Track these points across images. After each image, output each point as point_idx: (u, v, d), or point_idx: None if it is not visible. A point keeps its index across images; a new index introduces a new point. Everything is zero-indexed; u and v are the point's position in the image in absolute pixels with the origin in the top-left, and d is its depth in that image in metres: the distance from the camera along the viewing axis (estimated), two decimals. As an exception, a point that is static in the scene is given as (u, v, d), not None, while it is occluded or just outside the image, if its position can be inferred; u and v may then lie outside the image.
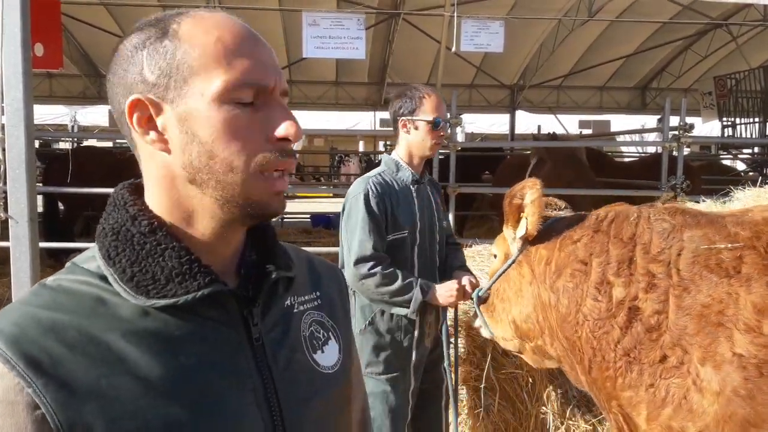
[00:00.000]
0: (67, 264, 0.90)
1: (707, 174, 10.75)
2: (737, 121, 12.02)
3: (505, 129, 15.89)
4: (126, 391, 0.78)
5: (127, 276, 0.84)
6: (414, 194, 2.82)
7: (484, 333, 2.45)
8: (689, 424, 1.74)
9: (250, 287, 0.94)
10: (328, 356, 1.01)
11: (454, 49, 5.47)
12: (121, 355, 0.79)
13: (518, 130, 15.43)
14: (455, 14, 5.02)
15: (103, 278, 0.85)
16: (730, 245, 1.80)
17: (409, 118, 2.78)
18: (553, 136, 7.58)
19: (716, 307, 1.73)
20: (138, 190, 0.94)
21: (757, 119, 11.73)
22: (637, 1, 10.20)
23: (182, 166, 0.87)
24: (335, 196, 15.52)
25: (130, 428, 0.77)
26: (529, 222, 2.04)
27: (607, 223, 2.01)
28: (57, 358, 0.76)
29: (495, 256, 2.34)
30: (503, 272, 2.22)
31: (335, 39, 5.26)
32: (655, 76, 14.40)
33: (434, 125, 2.75)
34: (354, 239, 2.67)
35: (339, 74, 13.50)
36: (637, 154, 13.43)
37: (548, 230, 2.12)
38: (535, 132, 15.36)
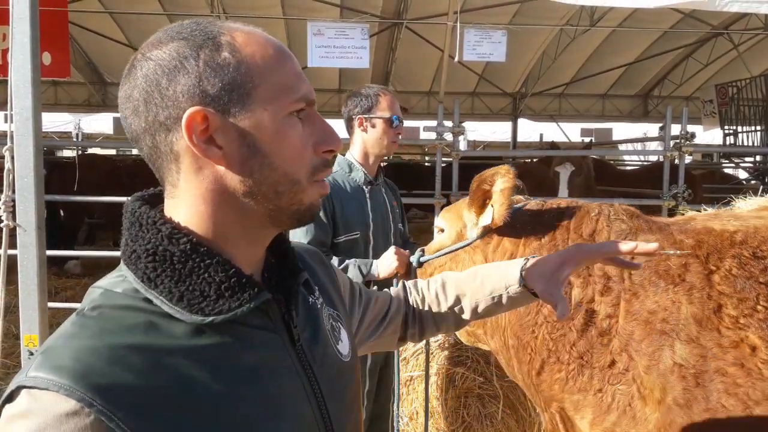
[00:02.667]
0: (96, 291, 0.88)
1: (709, 183, 10.78)
2: (739, 129, 12.04)
3: (507, 137, 15.94)
4: (200, 407, 0.79)
5: (176, 297, 0.83)
6: (367, 195, 2.78)
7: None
8: (632, 431, 1.76)
9: (275, 288, 0.97)
10: (344, 345, 1.08)
11: (456, 58, 5.50)
12: (188, 374, 0.80)
13: (520, 138, 15.48)
14: (458, 23, 5.06)
15: (147, 301, 0.84)
16: (677, 252, 1.82)
17: (366, 116, 2.76)
18: (552, 145, 7.60)
19: (661, 314, 1.75)
20: (151, 202, 0.93)
21: (758, 127, 11.75)
22: (639, 10, 10.25)
23: (240, 179, 0.87)
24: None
25: None
26: (496, 211, 1.97)
27: (567, 217, 2.01)
28: (130, 387, 0.74)
29: (442, 231, 2.26)
30: (452, 251, 2.16)
31: (339, 48, 5.31)
32: (657, 84, 14.45)
33: (391, 123, 2.74)
34: (293, 238, 2.68)
35: (342, 82, 13.57)
36: (640, 163, 13.45)
37: (512, 221, 2.03)
38: (537, 140, 15.46)
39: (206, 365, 0.82)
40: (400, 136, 2.81)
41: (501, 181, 1.94)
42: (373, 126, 2.76)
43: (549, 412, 1.99)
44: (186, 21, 0.92)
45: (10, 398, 0.75)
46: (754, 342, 1.67)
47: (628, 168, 12.74)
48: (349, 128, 2.85)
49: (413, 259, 2.34)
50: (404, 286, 1.51)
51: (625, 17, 10.50)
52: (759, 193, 4.48)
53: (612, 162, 12.47)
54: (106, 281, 0.89)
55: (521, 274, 1.36)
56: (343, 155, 2.87)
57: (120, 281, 0.87)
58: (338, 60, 5.35)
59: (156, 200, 0.95)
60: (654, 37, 11.68)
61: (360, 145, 2.82)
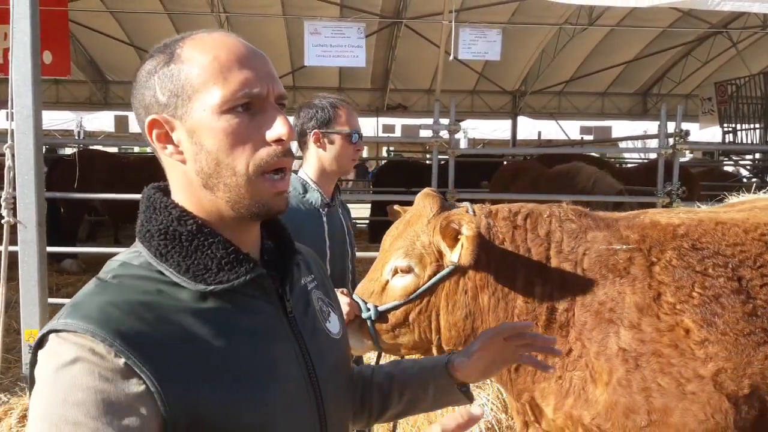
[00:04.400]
0: (115, 263, 1.01)
1: (708, 180, 10.81)
2: (738, 127, 12.07)
3: (507, 135, 15.96)
4: (205, 357, 0.92)
5: (183, 269, 0.97)
6: (324, 219, 2.44)
7: (361, 350, 2.24)
8: (585, 412, 1.92)
9: (275, 268, 1.10)
10: (333, 325, 1.22)
11: (452, 56, 5.56)
12: (193, 329, 0.94)
13: (520, 136, 15.51)
14: (453, 21, 5.11)
15: (159, 272, 0.98)
16: (624, 247, 1.97)
17: (324, 130, 2.44)
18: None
19: (609, 304, 1.91)
20: (166, 192, 1.06)
21: (757, 125, 11.78)
22: (636, 9, 10.29)
23: (195, 173, 1.00)
24: (338, 201, 15.64)
25: (213, 387, 0.91)
26: (463, 253, 1.99)
27: (522, 218, 2.11)
28: (144, 334, 0.88)
29: (409, 270, 2.12)
30: (432, 286, 2.10)
31: (336, 47, 5.37)
32: (656, 82, 14.47)
33: (351, 138, 2.44)
34: None
35: (342, 80, 13.61)
36: (640, 160, 13.48)
37: (482, 235, 2.08)
38: (536, 138, 15.48)
39: (208, 324, 0.95)
40: (359, 154, 2.53)
41: (467, 228, 1.97)
42: (332, 142, 2.45)
43: (521, 402, 2.12)
44: (168, 38, 1.04)
45: (41, 343, 0.89)
46: (688, 325, 1.83)
47: (629, 165, 12.77)
48: (302, 143, 2.51)
49: (366, 313, 2.13)
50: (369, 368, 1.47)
51: (624, 16, 10.52)
52: (753, 190, 4.54)
53: (612, 160, 12.52)
54: (124, 255, 1.02)
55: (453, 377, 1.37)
56: (295, 173, 2.52)
57: (136, 256, 1.01)
58: (335, 59, 5.41)
59: (169, 191, 1.08)
60: (652, 35, 11.70)
61: (315, 162, 2.48)
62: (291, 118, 2.32)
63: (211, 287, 0.97)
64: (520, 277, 2.04)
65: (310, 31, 5.35)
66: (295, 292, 1.13)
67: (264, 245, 1.14)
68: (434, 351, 2.19)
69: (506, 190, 7.22)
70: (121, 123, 14.47)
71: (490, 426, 3.36)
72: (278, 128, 0.99)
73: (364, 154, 23.00)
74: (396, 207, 2.51)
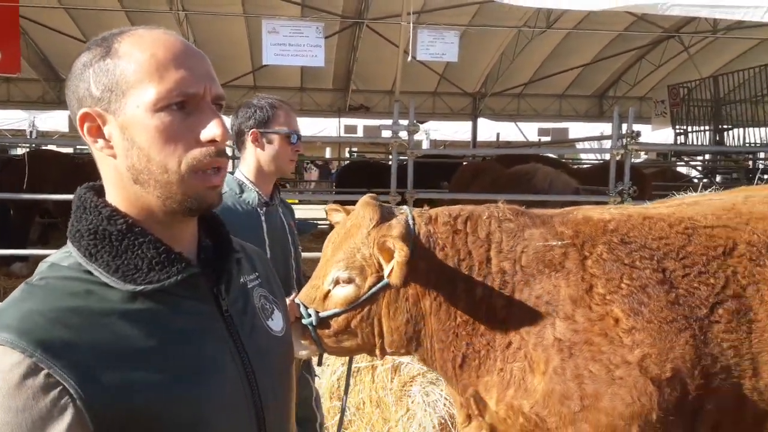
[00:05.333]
0: (44, 264, 1.00)
1: (661, 180, 11.14)
2: (689, 129, 12.47)
3: (468, 136, 16.14)
4: (135, 359, 0.91)
5: (113, 269, 0.96)
6: (262, 218, 2.44)
7: (305, 353, 2.24)
8: (525, 401, 2.00)
9: (211, 268, 1.09)
10: (275, 323, 1.21)
11: (410, 57, 5.61)
12: (122, 331, 0.93)
13: (480, 138, 15.70)
14: (411, 23, 5.16)
15: (88, 272, 0.97)
16: (560, 243, 2.06)
17: (261, 129, 2.44)
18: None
19: (546, 297, 2.00)
20: (100, 192, 1.05)
21: (707, 127, 12.19)
22: (593, 12, 10.54)
23: (126, 168, 0.99)
24: (301, 202, 15.57)
25: (144, 387, 0.91)
26: (393, 275, 2.03)
27: (462, 221, 2.17)
28: (69, 341, 0.87)
29: (350, 281, 2.14)
30: (368, 298, 2.13)
31: (295, 46, 5.35)
32: (612, 84, 14.86)
33: (287, 138, 2.45)
34: None
35: (304, 80, 13.58)
36: (596, 161, 13.80)
37: (420, 241, 2.12)
38: (495, 139, 15.70)
39: (138, 325, 0.94)
40: (297, 155, 2.54)
41: (398, 254, 2.00)
42: (270, 142, 2.45)
43: (465, 398, 2.18)
44: (107, 32, 1.03)
45: None
46: (617, 315, 1.93)
47: (585, 166, 13.06)
48: (240, 143, 2.51)
49: (307, 319, 2.13)
50: None
51: (580, 20, 10.76)
52: (699, 189, 4.71)
53: (569, 161, 12.78)
54: (55, 256, 1.01)
55: None
56: (232, 173, 2.52)
57: (66, 256, 1.00)
58: (293, 58, 5.39)
59: (103, 191, 1.06)
60: (608, 39, 12.00)
61: (253, 162, 2.47)
62: (229, 118, 2.30)
63: (141, 287, 0.96)
64: (462, 280, 2.10)
65: (268, 29, 5.33)
66: (233, 290, 1.12)
67: (202, 243, 1.13)
68: (378, 352, 2.25)
69: (466, 190, 7.32)
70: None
71: (443, 422, 3.41)
72: (212, 129, 0.99)
73: (328, 154, 22.96)
74: (331, 206, 2.50)
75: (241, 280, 1.17)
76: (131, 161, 0.99)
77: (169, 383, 0.93)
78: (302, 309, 2.17)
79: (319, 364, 2.38)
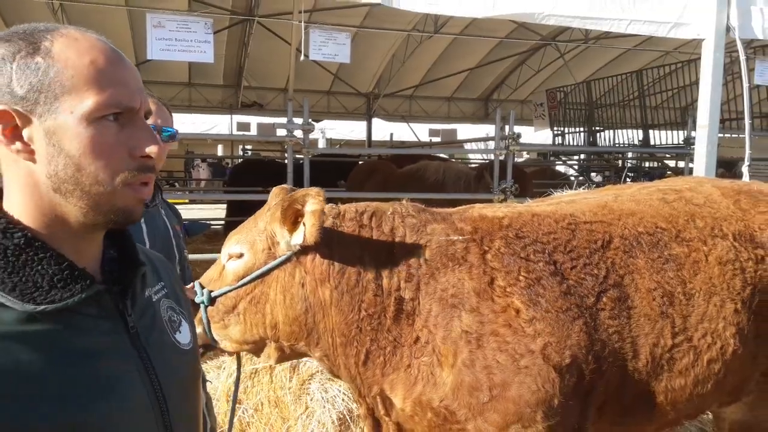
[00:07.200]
0: None
1: (542, 179, 11.89)
2: (566, 130, 13.40)
3: (363, 136, 16.33)
4: (32, 384, 0.85)
5: (9, 287, 0.89)
6: (142, 220, 2.34)
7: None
8: (434, 395, 2.02)
9: (116, 282, 1.05)
10: (183, 336, 1.17)
11: (302, 57, 5.63)
12: (16, 357, 0.85)
13: (375, 137, 15.95)
14: (302, 22, 5.17)
15: None
16: (461, 238, 2.14)
17: None
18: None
19: (451, 290, 2.05)
20: None
21: (581, 129, 13.17)
22: (477, 19, 11.01)
23: (47, 175, 0.94)
24: (191, 202, 15.00)
25: (42, 413, 0.85)
26: (307, 231, 2.01)
27: (367, 217, 2.20)
28: None
29: (240, 256, 2.13)
30: (264, 273, 2.10)
31: (182, 42, 5.17)
32: (496, 88, 15.62)
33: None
34: None
35: (192, 76, 13.10)
36: (483, 160, 14.46)
37: (324, 236, 2.09)
38: (389, 139, 16.02)
39: (36, 349, 0.88)
40: (165, 151, 2.32)
41: (312, 202, 2.01)
42: None
43: (371, 397, 2.16)
44: (24, 24, 0.97)
45: None
46: (518, 306, 2.02)
47: (472, 166, 13.63)
48: None
49: (199, 298, 2.10)
50: None
51: (466, 25, 11.20)
52: (574, 187, 5.09)
53: (458, 160, 13.31)
54: None
55: None
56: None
57: None
58: (180, 53, 5.20)
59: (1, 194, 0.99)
60: (491, 45, 12.59)
61: None
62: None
63: (42, 307, 0.89)
64: (367, 272, 2.09)
65: (153, 24, 5.10)
66: (139, 305, 1.08)
67: (106, 255, 1.08)
68: (272, 348, 2.19)
69: (361, 189, 7.43)
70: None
71: (342, 417, 3.46)
72: (150, 144, 0.99)
73: (220, 152, 22.23)
74: (282, 187, 2.40)
75: (147, 293, 1.13)
76: (55, 169, 0.93)
77: (70, 407, 0.89)
78: (198, 288, 2.12)
79: (211, 349, 2.31)
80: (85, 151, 0.93)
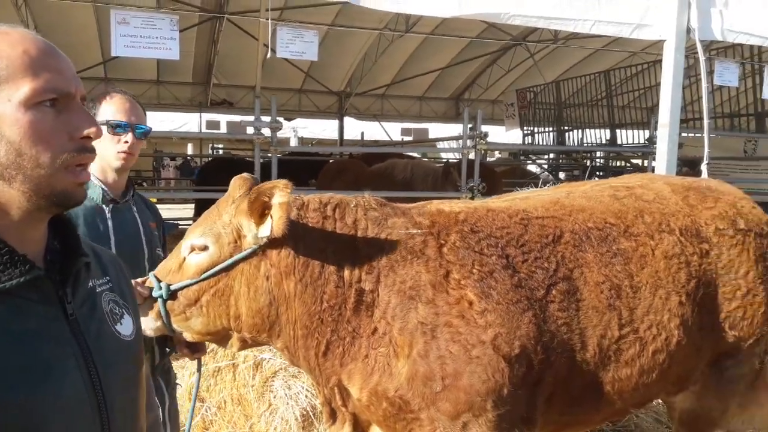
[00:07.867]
0: None
1: (512, 178, 12.03)
2: (536, 130, 13.58)
3: (335, 134, 16.31)
4: None
5: None
6: (108, 216, 2.31)
7: (151, 331, 2.12)
8: (389, 385, 2.06)
9: (58, 271, 1.08)
10: (125, 327, 1.21)
11: (269, 54, 5.62)
12: None
13: (347, 136, 15.94)
14: (270, 19, 5.16)
15: None
16: (419, 231, 2.19)
17: None
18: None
19: (409, 283, 2.10)
20: None
21: (550, 129, 13.36)
22: (448, 19, 11.07)
23: None
24: (159, 201, 14.81)
25: None
26: (275, 223, 1.99)
27: (331, 208, 2.22)
28: None
29: (204, 248, 2.10)
30: (228, 266, 2.08)
31: (147, 39, 5.11)
32: (467, 87, 15.74)
33: (111, 128, 2.26)
34: None
35: (161, 73, 12.94)
36: (454, 160, 14.56)
37: (291, 221, 2.08)
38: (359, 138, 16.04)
39: None
40: (128, 145, 2.30)
41: (279, 194, 1.99)
42: None
43: (329, 388, 2.19)
44: None
45: None
46: (471, 298, 2.07)
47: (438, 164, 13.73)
48: None
49: (157, 291, 2.06)
50: None
51: (437, 25, 11.28)
52: (540, 185, 5.20)
53: (431, 159, 13.39)
54: None
55: None
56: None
57: None
58: (146, 50, 5.16)
59: None
60: (462, 44, 12.69)
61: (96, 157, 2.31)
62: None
63: None
64: (330, 263, 2.10)
65: (117, 20, 5.04)
66: (80, 294, 1.11)
67: (50, 245, 1.11)
68: (234, 339, 2.18)
69: (330, 188, 7.44)
70: None
71: (305, 413, 3.48)
72: (89, 126, 1.03)
73: (190, 151, 21.96)
74: (244, 176, 2.34)
75: (90, 284, 1.16)
76: None
77: (1, 387, 0.92)
78: (154, 281, 2.08)
79: (168, 347, 2.29)
80: (25, 136, 0.97)
